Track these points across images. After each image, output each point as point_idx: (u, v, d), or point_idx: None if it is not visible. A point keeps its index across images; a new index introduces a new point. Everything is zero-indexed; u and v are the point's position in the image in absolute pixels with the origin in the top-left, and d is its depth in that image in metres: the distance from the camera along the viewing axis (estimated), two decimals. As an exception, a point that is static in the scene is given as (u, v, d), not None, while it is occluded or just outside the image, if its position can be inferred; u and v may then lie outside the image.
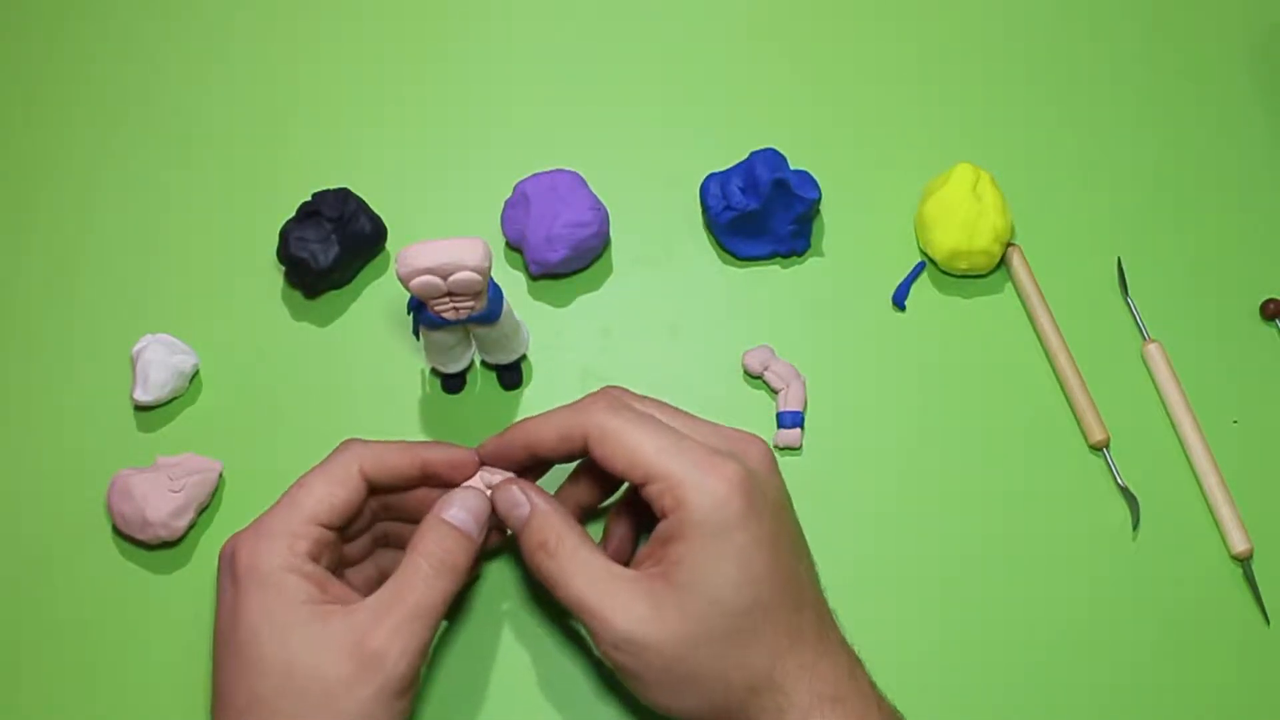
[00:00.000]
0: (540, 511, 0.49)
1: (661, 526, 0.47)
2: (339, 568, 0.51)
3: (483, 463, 0.52)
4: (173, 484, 0.56)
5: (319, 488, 0.49)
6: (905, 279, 0.56)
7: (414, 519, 0.51)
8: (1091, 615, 0.56)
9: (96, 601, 0.56)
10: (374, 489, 0.50)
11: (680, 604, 0.45)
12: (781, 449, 0.59)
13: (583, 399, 0.51)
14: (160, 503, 0.55)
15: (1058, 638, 0.55)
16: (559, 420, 0.50)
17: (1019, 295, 0.63)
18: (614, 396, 0.50)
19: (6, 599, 0.56)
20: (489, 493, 0.51)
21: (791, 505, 0.51)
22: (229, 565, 0.48)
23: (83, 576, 0.57)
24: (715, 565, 0.45)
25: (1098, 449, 0.59)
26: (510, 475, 0.51)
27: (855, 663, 0.48)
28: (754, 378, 0.61)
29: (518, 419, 0.55)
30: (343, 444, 0.51)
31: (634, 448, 0.47)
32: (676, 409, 0.51)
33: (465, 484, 0.51)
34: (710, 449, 0.47)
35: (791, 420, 0.59)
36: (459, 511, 0.49)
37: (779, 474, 0.50)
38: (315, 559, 0.47)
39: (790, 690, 0.46)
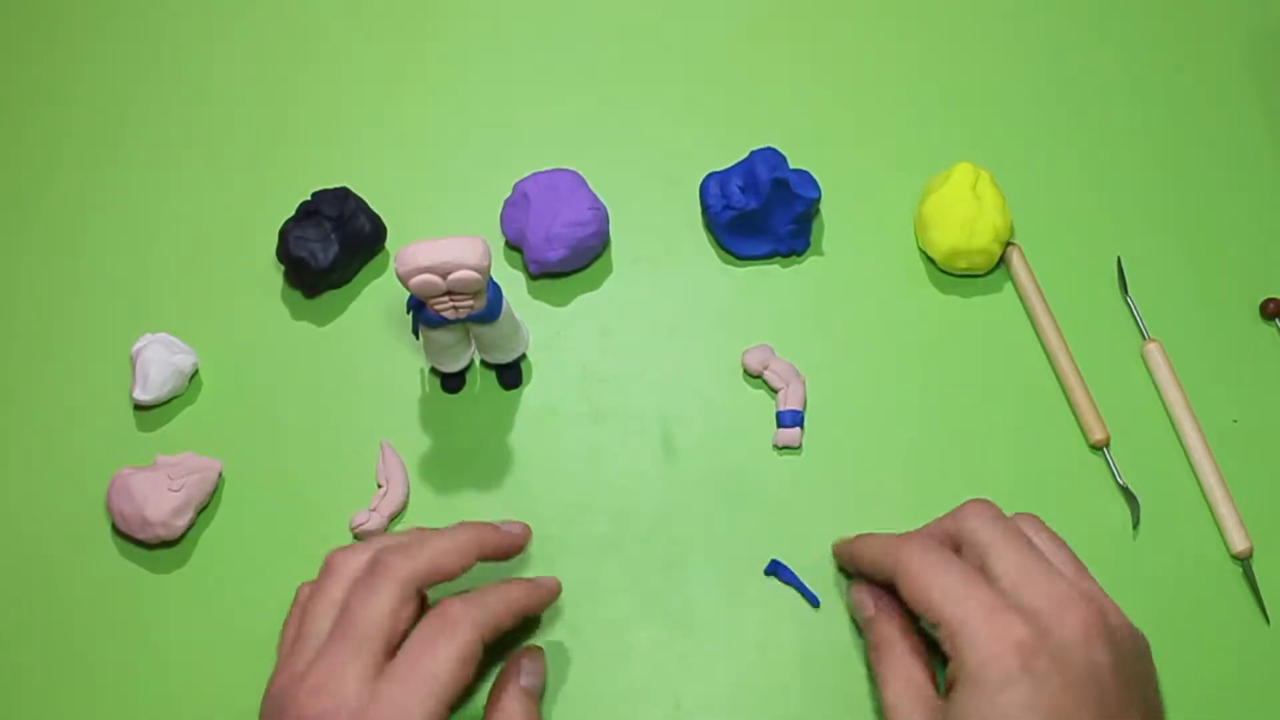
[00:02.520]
0: (879, 615, 0.52)
1: (949, 667, 0.47)
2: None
3: (838, 554, 0.56)
4: (172, 483, 0.56)
5: (456, 679, 0.46)
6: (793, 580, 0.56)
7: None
8: (1091, 615, 0.56)
9: (96, 600, 0.56)
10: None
11: None
12: (781, 448, 0.59)
13: (908, 533, 0.52)
14: (160, 502, 0.55)
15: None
16: (878, 548, 0.52)
17: (1019, 294, 0.63)
18: (930, 537, 0.51)
19: (6, 598, 0.56)
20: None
21: (1117, 689, 0.45)
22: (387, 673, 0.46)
23: (82, 575, 0.57)
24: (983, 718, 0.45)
25: (1098, 448, 0.59)
26: (535, 646, 0.54)
27: None
28: (754, 377, 0.61)
29: (516, 428, 0.55)
30: (461, 610, 0.48)
31: (924, 591, 0.48)
32: (1035, 551, 0.49)
33: (527, 650, 0.53)
34: (1005, 604, 0.46)
35: (791, 419, 0.59)
36: (537, 681, 0.53)
37: (1105, 650, 0.46)
38: None
39: None
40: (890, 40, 0.71)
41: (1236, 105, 0.69)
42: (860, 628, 0.54)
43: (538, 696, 0.52)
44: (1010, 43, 0.71)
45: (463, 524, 0.52)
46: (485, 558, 0.51)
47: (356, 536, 0.57)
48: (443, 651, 0.46)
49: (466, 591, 0.50)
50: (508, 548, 0.53)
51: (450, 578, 0.49)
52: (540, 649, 0.54)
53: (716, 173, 0.64)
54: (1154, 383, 0.61)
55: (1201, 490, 0.58)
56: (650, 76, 0.70)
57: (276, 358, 0.62)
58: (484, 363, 0.61)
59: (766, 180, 0.62)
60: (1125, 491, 0.58)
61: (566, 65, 0.70)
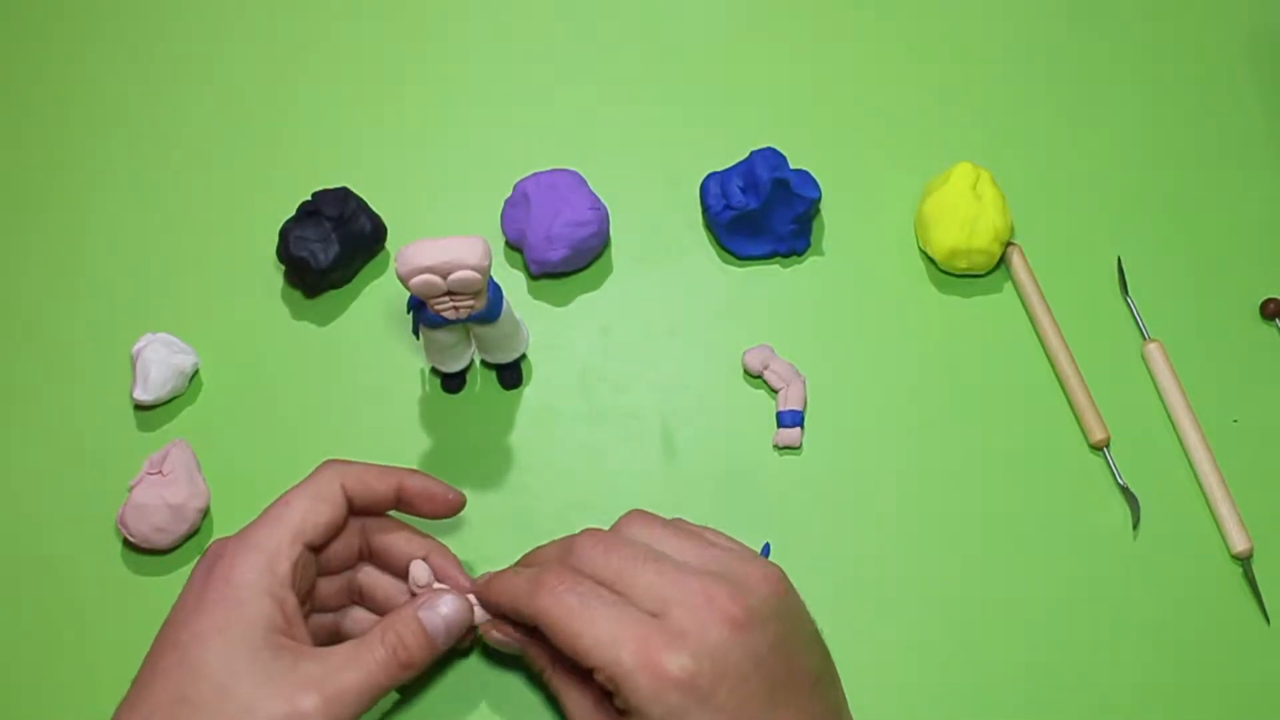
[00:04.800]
0: (530, 646, 0.51)
1: (617, 701, 0.46)
2: (310, 608, 0.51)
3: (480, 601, 0.52)
4: (165, 483, 0.56)
5: (303, 503, 0.49)
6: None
7: (396, 571, 0.52)
8: (1091, 615, 0.56)
9: (96, 600, 0.56)
10: (354, 509, 0.51)
11: None
12: (782, 448, 0.59)
13: (541, 573, 0.48)
14: (160, 507, 0.55)
15: (1058, 637, 0.55)
16: (514, 594, 0.49)
17: (1019, 294, 0.63)
18: (564, 573, 0.48)
19: (6, 597, 0.56)
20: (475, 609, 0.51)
21: (781, 650, 0.46)
22: (209, 566, 0.48)
23: (82, 574, 0.57)
24: None
25: (1098, 449, 0.59)
26: (462, 592, 0.52)
27: None
28: (754, 377, 0.61)
29: (516, 428, 0.55)
30: (323, 464, 0.51)
31: (573, 640, 0.46)
32: (679, 533, 0.49)
33: (453, 592, 0.51)
34: (652, 636, 0.45)
35: (791, 419, 0.59)
36: (435, 617, 0.50)
37: (753, 630, 0.45)
38: (292, 582, 0.47)
39: None
40: (890, 40, 0.71)
41: (1236, 105, 0.69)
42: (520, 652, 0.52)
43: (429, 631, 0.49)
44: (1010, 43, 0.71)
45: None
46: (406, 490, 0.52)
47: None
48: (296, 492, 0.49)
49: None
50: (428, 490, 0.52)
51: (376, 492, 0.51)
52: (461, 597, 0.51)
53: (717, 173, 0.64)
54: (1154, 383, 0.61)
55: (1201, 490, 0.58)
56: (650, 76, 0.70)
57: (277, 358, 0.62)
58: (484, 363, 0.61)
59: (767, 180, 0.62)
60: (1125, 492, 0.58)
61: (566, 65, 0.70)
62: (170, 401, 0.60)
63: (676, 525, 0.51)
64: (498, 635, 0.52)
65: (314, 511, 0.49)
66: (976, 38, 0.71)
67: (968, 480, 0.59)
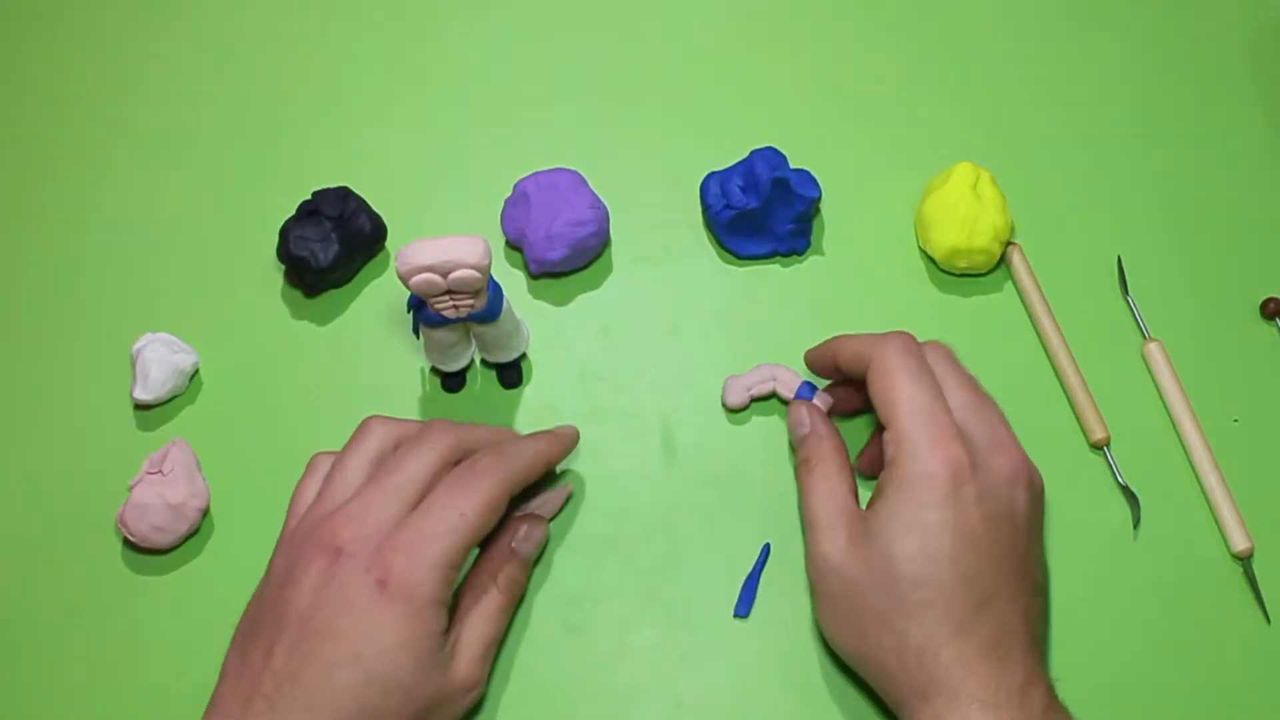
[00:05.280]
0: (814, 434, 0.54)
1: (883, 473, 0.50)
2: None
3: (809, 361, 0.58)
4: (164, 482, 0.56)
5: (482, 519, 0.50)
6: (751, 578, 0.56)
7: None
8: (1092, 614, 0.56)
9: (96, 599, 0.56)
10: None
11: (866, 549, 0.49)
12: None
13: (891, 332, 0.54)
14: (160, 507, 0.55)
15: (1058, 636, 0.55)
16: (860, 344, 0.54)
17: (1019, 294, 0.63)
18: (912, 340, 0.53)
19: (6, 597, 0.56)
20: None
21: (1026, 533, 0.51)
22: (377, 568, 0.47)
23: (82, 574, 0.56)
24: (903, 530, 0.48)
25: (1098, 448, 0.59)
26: (537, 515, 0.56)
27: (1038, 690, 0.47)
28: (744, 409, 0.60)
29: (516, 427, 0.56)
30: (490, 461, 0.51)
31: (890, 393, 0.51)
32: (979, 393, 0.54)
33: (533, 517, 0.55)
34: (954, 432, 0.50)
35: (808, 393, 0.58)
36: (530, 547, 0.54)
37: (1025, 496, 0.51)
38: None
39: (941, 678, 0.47)
40: (891, 40, 0.71)
41: (1236, 105, 0.69)
42: (794, 444, 0.56)
43: (528, 562, 0.54)
44: (1010, 43, 0.71)
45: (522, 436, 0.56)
46: (553, 462, 0.55)
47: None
48: (472, 495, 0.50)
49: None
50: (558, 457, 0.56)
51: (528, 483, 0.53)
52: (542, 519, 0.55)
53: (717, 172, 0.64)
54: (1154, 382, 0.61)
55: (1202, 489, 0.58)
56: (650, 76, 0.70)
57: (277, 357, 0.62)
58: (484, 362, 0.61)
59: (767, 180, 0.62)
60: (1125, 491, 0.58)
61: (566, 65, 0.70)
62: (170, 401, 0.60)
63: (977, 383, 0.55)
64: (801, 410, 0.55)
65: (487, 525, 0.50)
66: (976, 38, 0.71)
67: (968, 480, 0.59)
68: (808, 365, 0.58)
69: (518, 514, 0.55)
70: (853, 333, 0.56)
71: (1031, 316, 0.62)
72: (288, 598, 0.48)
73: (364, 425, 0.53)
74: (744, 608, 0.55)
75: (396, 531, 0.48)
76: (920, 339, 0.61)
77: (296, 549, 0.49)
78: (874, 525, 0.49)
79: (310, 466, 0.54)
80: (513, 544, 0.54)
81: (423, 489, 0.50)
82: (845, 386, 0.58)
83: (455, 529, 0.49)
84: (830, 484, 0.52)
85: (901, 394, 0.51)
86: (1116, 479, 0.58)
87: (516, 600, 0.53)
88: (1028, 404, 0.60)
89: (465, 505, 0.49)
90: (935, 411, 0.50)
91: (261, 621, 0.48)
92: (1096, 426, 0.59)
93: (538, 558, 0.56)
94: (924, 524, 0.48)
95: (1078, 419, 0.60)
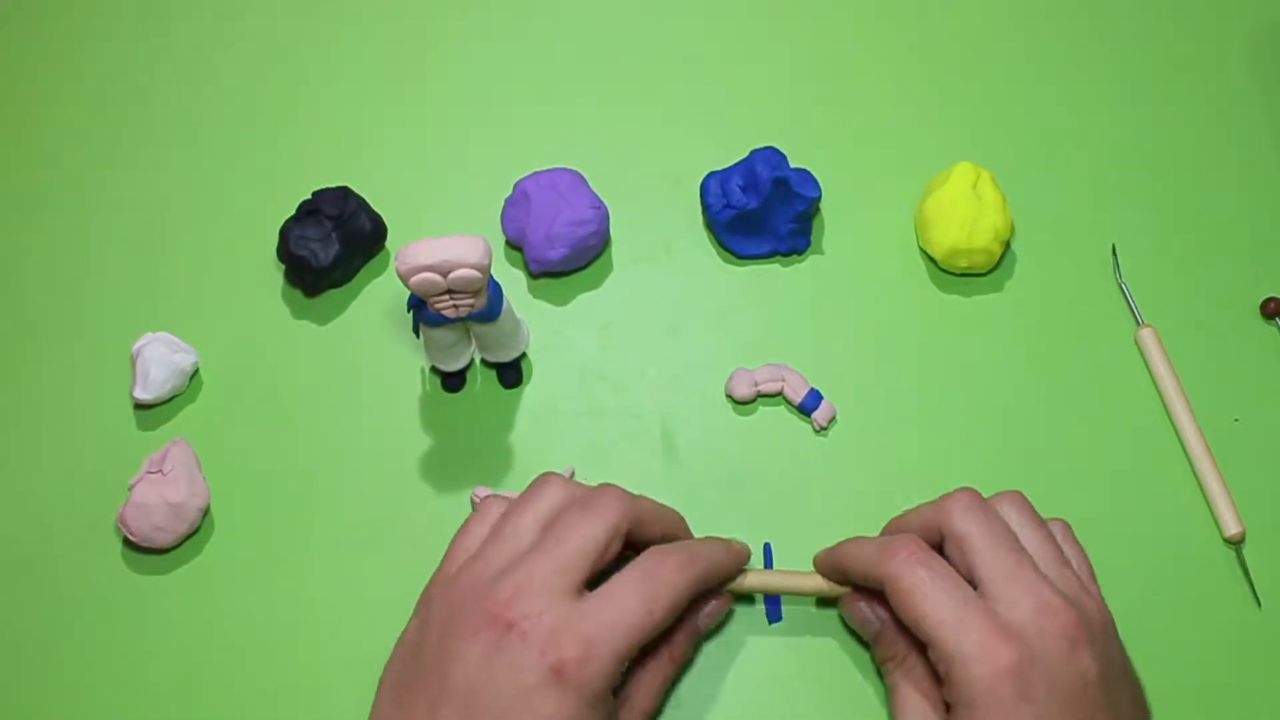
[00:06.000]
0: (887, 631, 0.51)
1: (945, 690, 0.47)
2: None
3: (819, 570, 0.54)
4: (165, 482, 0.56)
5: (667, 620, 0.48)
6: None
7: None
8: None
9: (96, 599, 0.56)
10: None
11: None
12: (823, 429, 0.59)
13: (896, 541, 0.49)
14: (159, 507, 0.55)
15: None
16: (864, 559, 0.50)
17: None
18: (919, 546, 0.49)
19: (6, 597, 0.56)
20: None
21: (1102, 693, 0.46)
22: (553, 653, 0.46)
23: (82, 573, 0.56)
24: None
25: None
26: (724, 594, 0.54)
27: None
28: (749, 402, 0.60)
29: (515, 427, 0.55)
30: (682, 561, 0.49)
31: (918, 611, 0.47)
32: (1013, 545, 0.49)
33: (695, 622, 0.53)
34: (994, 628, 0.46)
35: (814, 400, 0.59)
36: (712, 624, 0.54)
37: (1089, 656, 0.46)
38: None
39: None
40: (890, 40, 0.71)
41: (1236, 104, 0.69)
42: (866, 641, 0.53)
43: (699, 636, 0.54)
44: (1010, 42, 0.71)
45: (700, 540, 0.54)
46: (704, 578, 0.51)
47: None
48: (662, 595, 0.48)
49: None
50: (726, 572, 0.53)
51: (653, 540, 0.51)
52: (728, 596, 0.54)
53: (717, 172, 0.64)
54: (1148, 368, 0.61)
55: (1194, 474, 0.58)
56: (650, 76, 0.70)
57: (277, 357, 0.62)
58: (484, 362, 0.61)
59: (767, 179, 0.62)
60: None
61: (566, 65, 0.70)
62: (170, 400, 0.60)
63: (1048, 529, 0.51)
64: (864, 608, 0.52)
65: (667, 625, 0.48)
66: (976, 38, 0.71)
67: (967, 478, 0.58)
68: (819, 569, 0.54)
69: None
70: (859, 539, 0.53)
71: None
72: (451, 658, 0.46)
73: (541, 481, 0.51)
74: (775, 615, 0.55)
75: (576, 617, 0.46)
76: (920, 339, 0.62)
77: (461, 608, 0.47)
78: None
79: (480, 511, 0.52)
80: (699, 620, 0.53)
81: (593, 564, 0.48)
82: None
83: (640, 626, 0.47)
84: (917, 693, 0.50)
85: (926, 610, 0.47)
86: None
87: (678, 663, 0.53)
88: (1028, 404, 0.60)
89: (655, 605, 0.47)
90: (967, 615, 0.46)
91: (424, 674, 0.47)
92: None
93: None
94: None
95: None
